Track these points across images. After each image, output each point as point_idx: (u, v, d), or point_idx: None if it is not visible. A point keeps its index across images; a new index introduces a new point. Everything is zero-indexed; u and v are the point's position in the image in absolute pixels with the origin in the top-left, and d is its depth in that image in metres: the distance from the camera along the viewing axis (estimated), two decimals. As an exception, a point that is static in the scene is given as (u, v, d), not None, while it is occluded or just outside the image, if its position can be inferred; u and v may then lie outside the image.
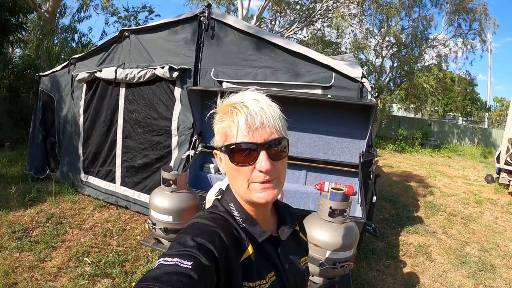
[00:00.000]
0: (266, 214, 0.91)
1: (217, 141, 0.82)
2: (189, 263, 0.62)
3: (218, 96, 0.82)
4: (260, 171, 0.76)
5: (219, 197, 0.93)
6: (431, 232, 4.63)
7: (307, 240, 1.09)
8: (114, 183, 4.49)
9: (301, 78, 3.37)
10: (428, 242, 4.30)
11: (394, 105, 16.88)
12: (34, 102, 5.55)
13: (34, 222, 3.85)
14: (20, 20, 7.60)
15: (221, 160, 0.85)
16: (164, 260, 0.63)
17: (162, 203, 2.69)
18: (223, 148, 0.80)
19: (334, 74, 3.27)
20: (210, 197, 2.38)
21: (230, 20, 3.66)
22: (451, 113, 25.11)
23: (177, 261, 0.63)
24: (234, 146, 0.76)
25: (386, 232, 4.51)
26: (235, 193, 0.86)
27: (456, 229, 4.86)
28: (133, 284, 2.84)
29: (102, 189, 4.61)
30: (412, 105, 16.29)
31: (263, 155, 0.75)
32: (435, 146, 14.98)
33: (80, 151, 4.87)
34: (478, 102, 23.03)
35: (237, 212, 0.84)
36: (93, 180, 4.72)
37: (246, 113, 0.75)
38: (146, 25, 4.25)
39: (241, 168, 0.78)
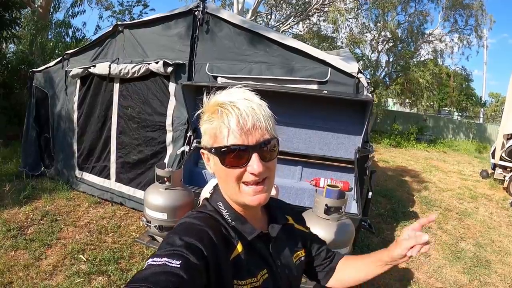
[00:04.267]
0: (256, 212, 0.90)
1: (205, 141, 0.80)
2: (178, 262, 0.62)
3: (204, 94, 0.80)
4: (252, 174, 0.75)
5: (208, 196, 0.92)
6: (426, 228, 4.64)
7: (306, 230, 1.08)
8: (109, 179, 4.45)
9: (297, 73, 3.34)
10: (424, 237, 4.31)
11: (389, 99, 16.93)
12: (28, 99, 5.48)
13: (29, 219, 3.82)
14: (13, 15, 7.47)
15: (209, 160, 0.82)
16: (153, 261, 0.63)
17: (156, 200, 2.67)
18: (212, 150, 0.77)
19: (330, 69, 3.25)
20: (205, 195, 2.37)
21: (225, 14, 3.62)
22: (446, 108, 25.19)
23: (165, 261, 0.62)
24: (226, 148, 0.74)
25: (381, 227, 4.53)
26: (223, 193, 0.85)
27: (451, 225, 4.89)
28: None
29: (97, 186, 4.58)
30: (407, 100, 16.37)
31: (255, 157, 0.74)
32: (430, 141, 15.04)
33: (75, 147, 4.83)
34: (473, 98, 23.17)
35: (225, 211, 0.83)
36: (88, 176, 4.69)
37: (238, 114, 0.72)
38: (140, 20, 4.19)
39: (232, 170, 0.76)
